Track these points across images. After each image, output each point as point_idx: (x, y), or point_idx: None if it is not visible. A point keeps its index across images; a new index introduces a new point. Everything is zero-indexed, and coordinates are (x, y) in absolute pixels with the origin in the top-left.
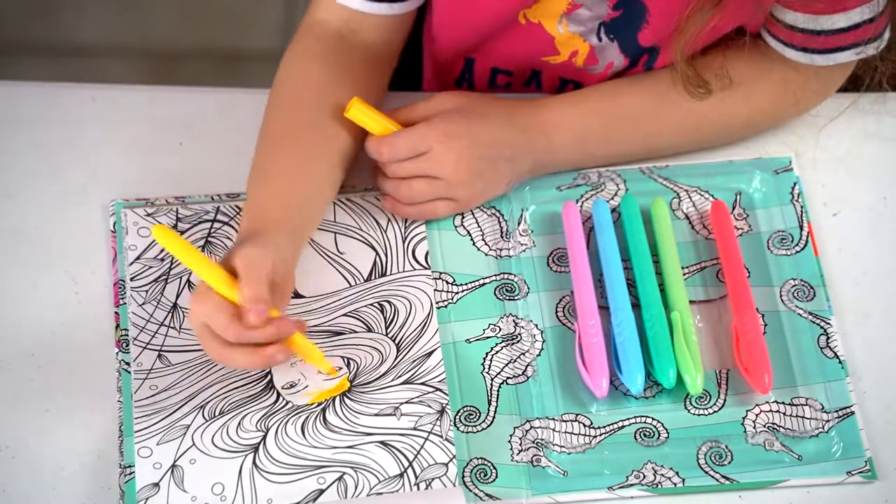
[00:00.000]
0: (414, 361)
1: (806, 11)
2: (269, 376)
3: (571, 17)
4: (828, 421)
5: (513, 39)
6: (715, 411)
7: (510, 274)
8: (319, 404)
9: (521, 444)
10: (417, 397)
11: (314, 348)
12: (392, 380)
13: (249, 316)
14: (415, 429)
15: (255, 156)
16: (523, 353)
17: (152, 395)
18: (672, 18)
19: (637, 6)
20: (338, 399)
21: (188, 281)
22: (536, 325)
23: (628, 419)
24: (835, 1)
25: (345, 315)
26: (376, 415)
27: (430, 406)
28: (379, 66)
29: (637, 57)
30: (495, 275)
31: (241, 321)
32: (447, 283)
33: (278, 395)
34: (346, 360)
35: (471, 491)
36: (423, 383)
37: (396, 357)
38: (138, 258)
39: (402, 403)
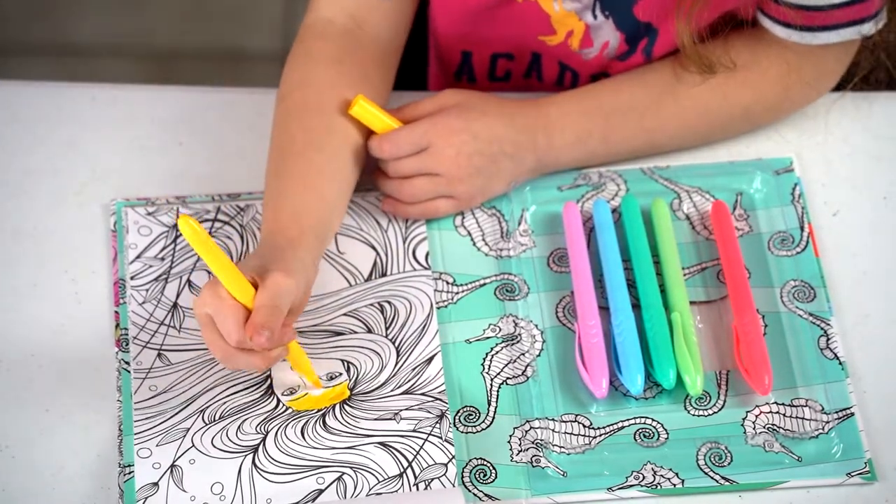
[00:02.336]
0: (414, 369)
1: None
2: (269, 381)
3: None
4: (828, 422)
5: (510, 20)
6: (715, 412)
7: (510, 274)
8: (319, 410)
9: (520, 445)
10: (417, 405)
11: (305, 359)
12: (392, 390)
13: (254, 339)
14: (414, 431)
15: (274, 161)
16: (523, 354)
17: (152, 397)
18: None
19: None
20: (338, 406)
21: (188, 280)
22: (536, 326)
23: (628, 420)
24: None
25: (345, 315)
26: (376, 419)
27: (429, 412)
28: (387, 62)
29: (635, 37)
30: (495, 275)
31: (245, 327)
32: (447, 283)
33: (278, 400)
34: (345, 364)
35: (470, 491)
36: (423, 394)
37: (396, 363)
38: (139, 257)
39: (401, 410)
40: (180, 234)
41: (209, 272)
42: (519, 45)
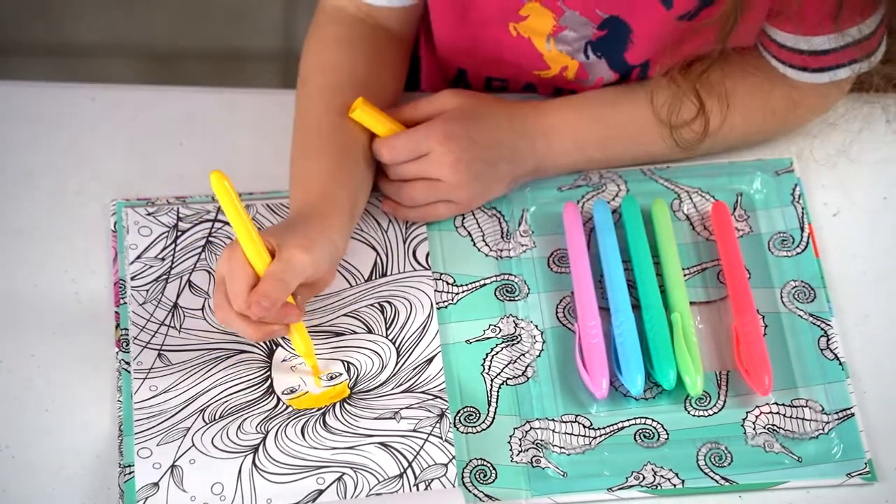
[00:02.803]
0: (414, 369)
1: (792, 32)
2: (270, 381)
3: (558, 38)
4: (828, 422)
5: (504, 51)
6: (715, 413)
7: (510, 275)
8: (319, 409)
9: (520, 445)
10: (417, 403)
11: (307, 340)
12: (392, 388)
13: (253, 307)
14: (414, 430)
15: (300, 142)
16: (523, 354)
17: (152, 397)
18: (654, 41)
19: (621, 26)
20: (338, 405)
21: (189, 281)
22: (536, 326)
23: (628, 420)
24: (817, 25)
25: (345, 315)
26: (376, 418)
27: (429, 411)
28: (401, 46)
29: (627, 72)
30: (496, 275)
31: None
32: (447, 283)
33: (278, 399)
34: (346, 364)
35: (470, 492)
36: (423, 392)
37: (397, 363)
38: (139, 257)
39: (402, 409)
40: (180, 235)
41: (210, 272)
42: (513, 76)
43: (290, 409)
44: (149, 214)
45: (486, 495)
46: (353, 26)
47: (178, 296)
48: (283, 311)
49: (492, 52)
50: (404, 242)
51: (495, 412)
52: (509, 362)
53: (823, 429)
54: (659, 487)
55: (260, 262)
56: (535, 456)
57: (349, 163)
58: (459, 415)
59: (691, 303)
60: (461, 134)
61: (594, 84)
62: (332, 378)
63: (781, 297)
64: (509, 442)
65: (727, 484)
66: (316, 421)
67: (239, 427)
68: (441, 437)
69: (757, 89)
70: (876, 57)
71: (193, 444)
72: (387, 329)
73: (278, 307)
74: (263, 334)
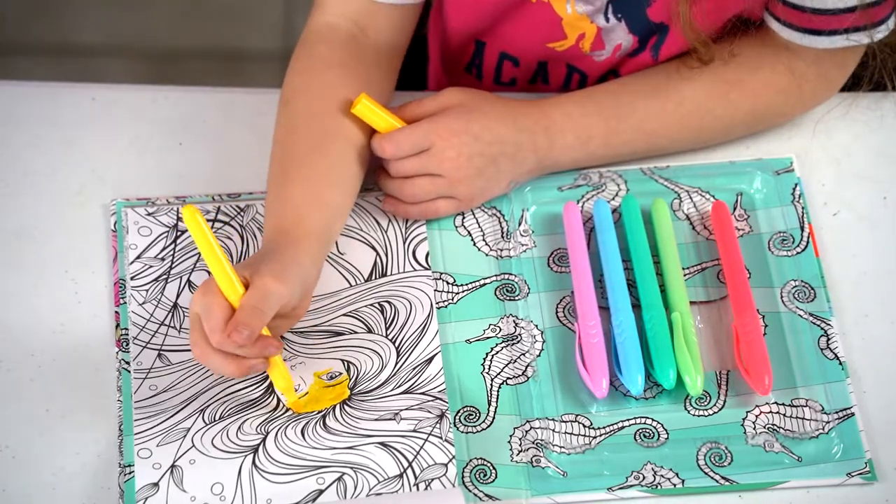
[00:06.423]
0: (414, 369)
1: None
2: (270, 381)
3: None
4: (828, 422)
5: (522, 20)
6: (715, 412)
7: (510, 274)
8: (320, 411)
9: (520, 445)
10: (417, 405)
11: (287, 375)
12: (392, 389)
13: (232, 335)
14: (414, 430)
15: (277, 166)
16: (523, 354)
17: (152, 396)
18: None
19: None
20: (338, 406)
21: (188, 280)
22: (537, 326)
23: (628, 420)
24: None
25: (345, 315)
26: (376, 419)
27: (429, 412)
28: (389, 66)
29: (646, 36)
30: (496, 275)
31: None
32: (447, 283)
33: (279, 400)
34: (345, 363)
35: (470, 491)
36: (423, 393)
37: (396, 363)
38: (139, 257)
39: (401, 410)
40: (180, 235)
41: (209, 272)
42: (528, 50)
43: (290, 411)
44: (149, 214)
45: (486, 495)
46: (342, 46)
47: (177, 296)
48: (262, 344)
49: (510, 22)
50: (404, 242)
51: (495, 412)
52: (509, 362)
53: (823, 428)
54: (659, 487)
55: (235, 296)
56: (535, 455)
57: (325, 188)
58: (459, 414)
59: (691, 302)
60: (463, 129)
61: (611, 54)
62: (332, 378)
63: (781, 296)
64: (509, 441)
65: (727, 483)
66: (316, 422)
67: (239, 427)
68: (441, 437)
69: (763, 63)
70: (880, 30)
71: (193, 445)
72: (387, 329)
73: (255, 338)
74: (244, 370)
